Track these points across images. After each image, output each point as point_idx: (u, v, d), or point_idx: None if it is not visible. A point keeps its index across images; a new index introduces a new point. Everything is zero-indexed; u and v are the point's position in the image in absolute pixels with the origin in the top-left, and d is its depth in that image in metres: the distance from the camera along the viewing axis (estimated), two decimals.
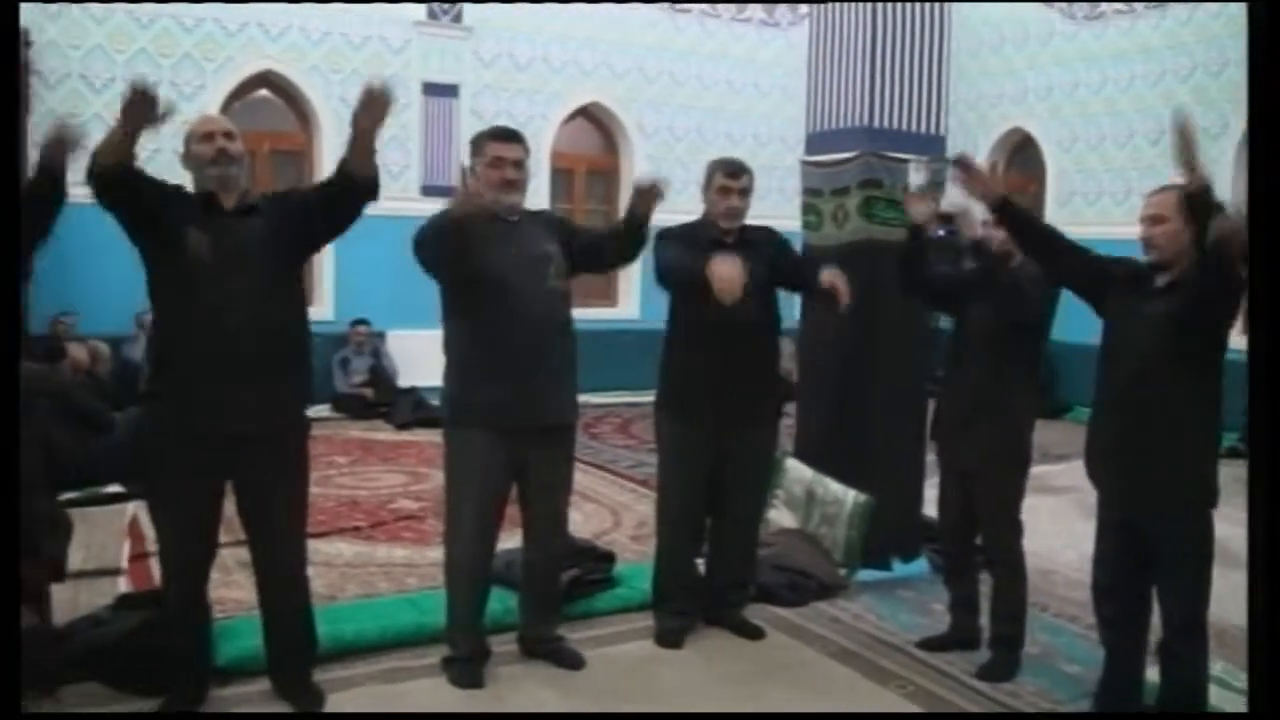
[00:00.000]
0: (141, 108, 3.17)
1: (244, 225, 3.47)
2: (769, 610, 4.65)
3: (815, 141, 5.59)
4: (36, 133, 9.43)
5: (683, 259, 4.11)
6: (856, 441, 5.23)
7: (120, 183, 3.29)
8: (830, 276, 4.13)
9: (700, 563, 4.54)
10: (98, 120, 9.50)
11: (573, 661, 4.05)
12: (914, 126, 5.41)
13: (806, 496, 5.26)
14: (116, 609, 4.11)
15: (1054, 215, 11.07)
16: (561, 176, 11.86)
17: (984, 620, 4.23)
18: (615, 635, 4.38)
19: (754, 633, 4.40)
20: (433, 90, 10.85)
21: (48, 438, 3.98)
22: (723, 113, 12.41)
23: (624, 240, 4.05)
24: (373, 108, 3.33)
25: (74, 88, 9.54)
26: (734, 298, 3.84)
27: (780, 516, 5.32)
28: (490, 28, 11.12)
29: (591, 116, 12.08)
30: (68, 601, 4.33)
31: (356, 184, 3.46)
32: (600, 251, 4.10)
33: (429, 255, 3.76)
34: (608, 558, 4.78)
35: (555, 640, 4.13)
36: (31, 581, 3.77)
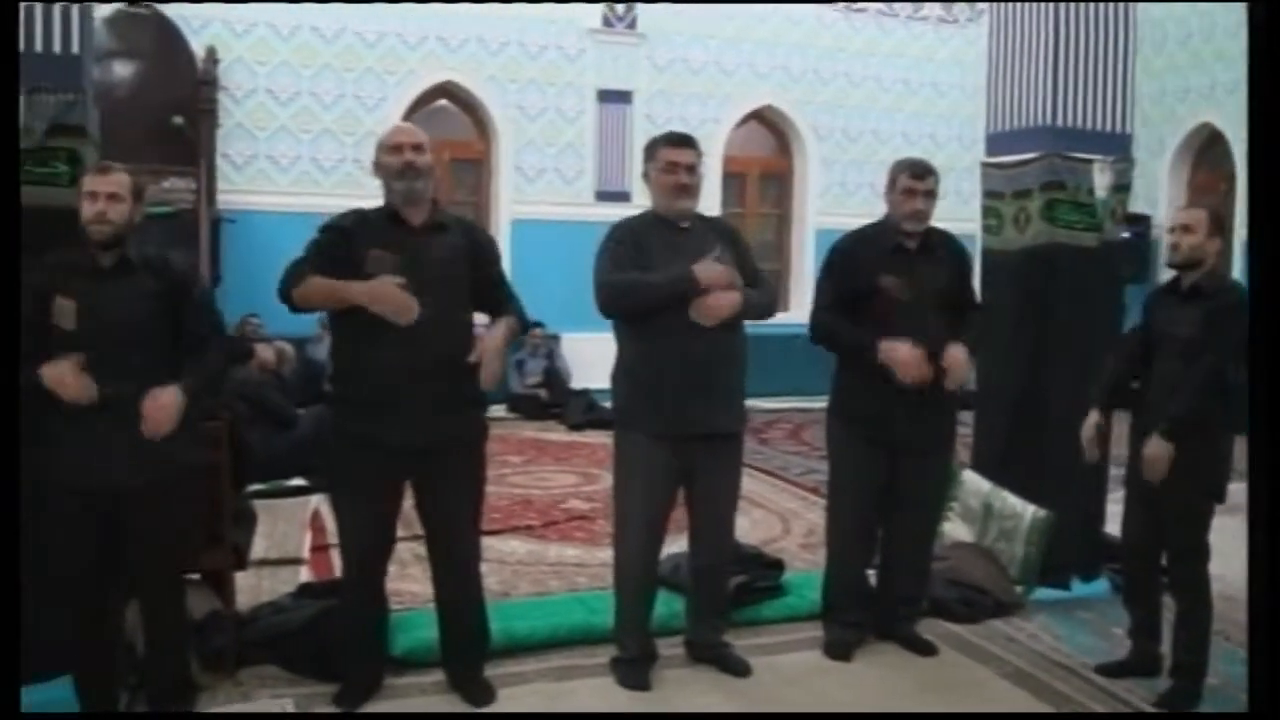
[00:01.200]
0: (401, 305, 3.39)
1: (430, 243, 3.56)
2: (941, 626, 4.52)
3: (996, 142, 5.43)
4: (225, 144, 9.96)
5: (854, 336, 4.07)
6: (1036, 454, 5.04)
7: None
8: (954, 356, 4.00)
9: (871, 574, 4.45)
10: (283, 132, 9.97)
11: (739, 668, 4.02)
12: (1099, 125, 5.19)
13: (983, 510, 5.10)
14: (297, 597, 4.28)
15: (1246, 214, 10.52)
16: (734, 180, 11.84)
17: (1165, 647, 4.02)
18: (783, 644, 4.33)
19: (926, 648, 4.28)
20: (607, 97, 10.98)
21: (239, 437, 4.16)
22: (899, 113, 12.19)
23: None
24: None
25: (260, 102, 9.99)
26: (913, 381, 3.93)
27: (955, 529, 5.17)
28: (664, 34, 11.19)
29: (765, 120, 12.03)
30: (251, 588, 4.54)
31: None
32: None
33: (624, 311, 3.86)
34: (776, 565, 4.74)
35: (722, 646, 4.10)
36: (216, 568, 3.95)
